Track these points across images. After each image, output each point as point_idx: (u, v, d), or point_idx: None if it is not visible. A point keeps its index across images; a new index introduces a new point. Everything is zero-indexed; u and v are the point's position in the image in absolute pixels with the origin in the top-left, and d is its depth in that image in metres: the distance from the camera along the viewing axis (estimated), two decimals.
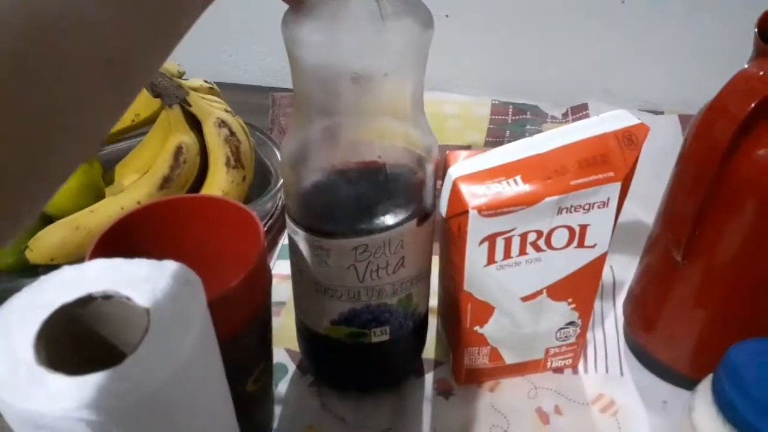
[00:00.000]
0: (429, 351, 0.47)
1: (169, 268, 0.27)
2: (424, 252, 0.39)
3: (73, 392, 0.22)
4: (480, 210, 0.35)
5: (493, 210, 0.35)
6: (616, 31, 0.70)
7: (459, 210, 0.36)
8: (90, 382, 0.22)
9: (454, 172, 0.37)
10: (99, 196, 0.53)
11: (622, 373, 0.46)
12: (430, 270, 0.41)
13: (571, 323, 0.43)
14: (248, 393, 0.37)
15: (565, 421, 0.42)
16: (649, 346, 0.45)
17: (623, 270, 0.52)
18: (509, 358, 0.44)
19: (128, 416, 0.22)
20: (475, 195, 0.36)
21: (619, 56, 0.71)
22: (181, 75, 0.56)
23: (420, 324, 0.42)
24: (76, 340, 0.26)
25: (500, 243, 0.37)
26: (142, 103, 0.59)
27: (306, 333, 0.42)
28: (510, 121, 0.72)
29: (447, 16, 0.72)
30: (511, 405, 0.44)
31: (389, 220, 0.35)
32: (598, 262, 0.40)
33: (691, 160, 0.35)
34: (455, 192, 0.37)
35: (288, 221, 0.38)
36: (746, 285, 0.38)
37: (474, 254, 0.37)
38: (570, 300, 0.41)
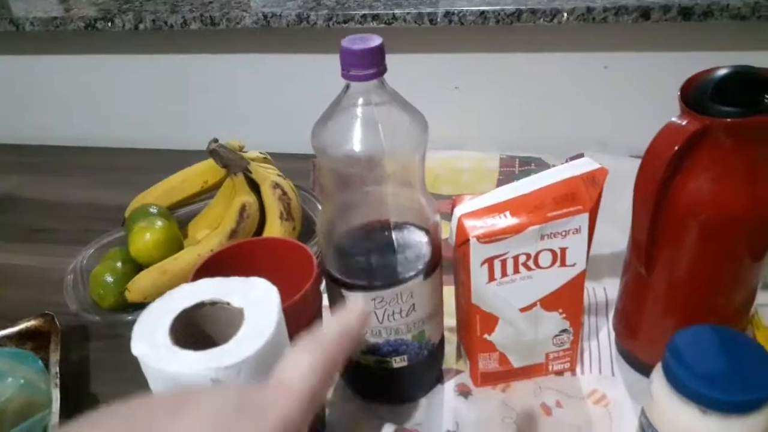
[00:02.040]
0: (450, 362, 0.57)
1: (255, 282, 0.38)
2: (432, 297, 0.49)
3: (200, 360, 0.33)
4: (479, 238, 0.46)
5: (488, 238, 0.46)
6: (604, 91, 0.82)
7: (463, 239, 0.47)
8: (210, 354, 0.34)
9: (458, 211, 0.48)
10: (179, 247, 0.65)
11: (613, 374, 0.55)
12: (441, 307, 0.51)
13: (564, 330, 0.53)
14: None
15: (564, 412, 0.52)
16: (634, 349, 0.54)
17: (613, 290, 0.62)
18: (516, 362, 0.54)
19: (231, 377, 0.33)
20: (475, 227, 0.47)
21: (607, 112, 0.83)
22: (241, 149, 0.70)
23: (433, 350, 0.52)
24: (193, 333, 0.37)
25: (497, 264, 0.48)
26: (209, 172, 0.72)
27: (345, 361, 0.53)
28: (517, 172, 0.83)
29: (456, 87, 0.85)
30: (519, 401, 0.53)
31: (399, 277, 0.46)
32: (579, 278, 0.50)
33: (637, 194, 0.45)
34: (460, 226, 0.48)
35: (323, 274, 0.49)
36: (700, 292, 0.47)
37: (477, 274, 0.48)
38: (560, 310, 0.51)
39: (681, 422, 0.39)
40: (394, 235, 0.46)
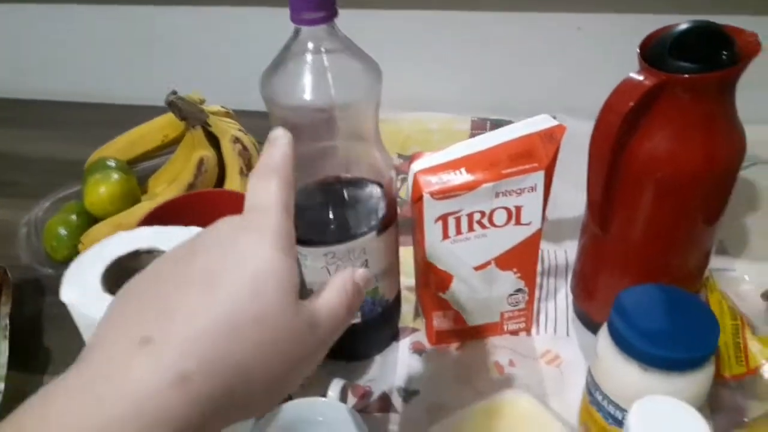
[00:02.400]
0: (407, 321, 0.57)
1: (194, 231, 0.37)
2: (387, 254, 0.48)
3: None
4: (432, 194, 0.45)
5: (442, 194, 0.45)
6: (577, 54, 0.80)
7: (417, 195, 0.46)
8: None
9: (415, 167, 0.47)
10: (136, 201, 0.64)
11: (568, 334, 0.55)
12: (396, 264, 0.51)
13: (519, 290, 0.52)
14: None
15: (516, 370, 0.52)
16: (590, 311, 0.54)
17: (574, 252, 0.61)
18: (470, 321, 0.53)
19: None
20: (429, 183, 0.46)
21: (580, 75, 0.81)
22: (202, 102, 0.68)
23: (387, 307, 0.51)
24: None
25: (452, 221, 0.47)
26: (169, 126, 0.70)
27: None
28: None
29: (431, 48, 0.83)
30: (473, 360, 0.53)
31: (351, 232, 0.45)
32: (535, 238, 0.49)
33: (592, 151, 0.45)
34: (415, 182, 0.47)
35: None
36: (655, 252, 0.47)
37: (431, 231, 0.47)
38: (515, 270, 0.51)
39: (623, 379, 0.39)
40: (346, 190, 0.45)
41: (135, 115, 0.77)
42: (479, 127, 0.83)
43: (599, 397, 0.41)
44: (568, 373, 0.51)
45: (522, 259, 0.50)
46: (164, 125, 0.71)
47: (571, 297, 0.57)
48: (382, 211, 0.46)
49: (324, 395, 0.45)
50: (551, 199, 0.67)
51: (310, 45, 0.40)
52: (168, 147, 0.72)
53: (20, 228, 0.64)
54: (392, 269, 0.50)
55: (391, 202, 0.47)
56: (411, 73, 0.86)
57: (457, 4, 0.80)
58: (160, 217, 0.44)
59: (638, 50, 0.43)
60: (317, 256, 0.46)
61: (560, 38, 0.80)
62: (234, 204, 0.46)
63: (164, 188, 0.65)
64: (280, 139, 0.31)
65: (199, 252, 0.26)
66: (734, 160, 0.43)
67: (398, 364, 0.53)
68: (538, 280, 0.59)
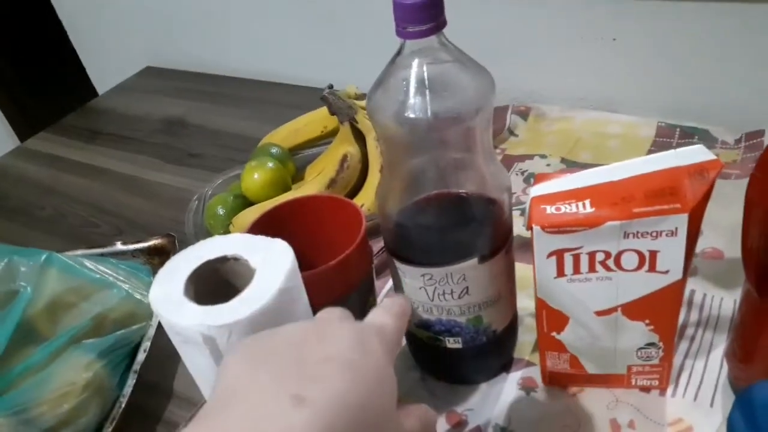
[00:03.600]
0: (524, 352, 0.52)
1: (275, 244, 0.38)
2: (493, 283, 0.44)
3: (198, 315, 0.34)
4: (543, 227, 0.40)
5: (555, 228, 0.40)
6: None
7: (530, 225, 0.42)
8: (209, 310, 0.34)
9: (534, 191, 0.43)
10: (286, 188, 0.67)
11: (712, 405, 0.46)
12: (508, 293, 0.47)
13: (652, 344, 0.45)
14: None
15: None
16: (742, 382, 0.44)
17: None
18: (590, 369, 0.47)
19: (221, 335, 0.34)
20: (543, 213, 0.41)
21: None
22: (357, 97, 0.68)
23: (495, 338, 0.48)
24: (217, 283, 0.38)
25: (568, 258, 0.42)
26: (329, 118, 0.72)
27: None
28: (675, 145, 0.71)
29: (614, 39, 0.73)
30: (587, 411, 0.47)
31: (450, 257, 0.42)
32: (674, 288, 0.41)
33: (751, 195, 0.36)
34: (530, 209, 0.42)
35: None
36: None
37: (543, 265, 0.42)
38: (647, 321, 0.43)
39: None
40: (447, 211, 0.42)
41: (314, 96, 0.80)
42: (666, 134, 0.72)
43: None
44: None
45: (657, 310, 0.43)
46: (324, 117, 0.73)
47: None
48: (487, 235, 0.43)
49: None
50: (727, 234, 0.56)
51: (416, 60, 0.38)
52: (327, 138, 0.74)
53: (192, 202, 0.71)
54: (500, 299, 0.46)
55: (501, 225, 0.43)
56: (590, 66, 0.78)
57: None
58: (271, 218, 0.46)
59: None
60: (415, 276, 0.44)
61: None
62: (334, 209, 0.46)
63: (313, 178, 0.68)
64: (407, 310, 0.37)
65: (338, 336, 0.31)
66: None
67: (501, 398, 0.49)
68: (689, 331, 0.51)
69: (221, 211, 0.67)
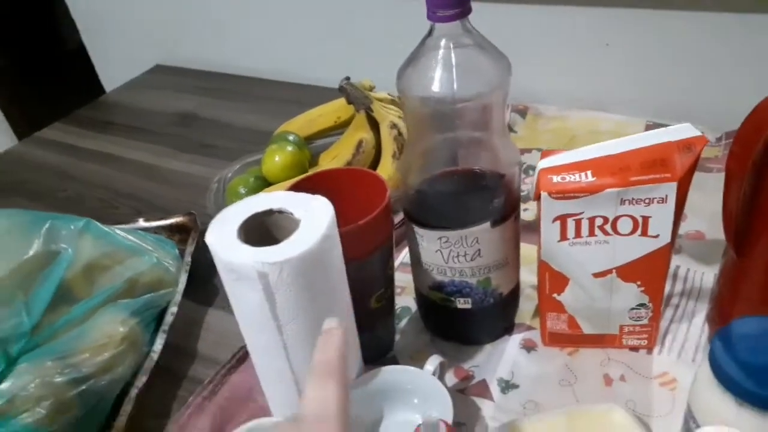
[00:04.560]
0: (525, 317, 0.57)
1: (317, 199, 0.43)
2: (502, 247, 0.49)
3: (251, 254, 0.39)
4: (551, 193, 0.46)
5: (561, 194, 0.46)
6: None
7: (537, 193, 0.47)
8: (263, 250, 0.39)
9: (541, 164, 0.48)
10: (304, 171, 0.72)
11: (693, 360, 0.51)
12: (514, 258, 0.52)
13: (642, 305, 0.50)
14: (372, 309, 0.51)
15: (626, 386, 0.50)
16: None
17: None
18: (586, 328, 0.52)
19: (274, 271, 0.38)
20: (550, 182, 0.46)
21: None
22: (371, 88, 0.74)
23: (500, 300, 0.52)
24: (262, 233, 0.43)
25: (571, 223, 0.47)
26: (343, 109, 0.78)
27: (417, 293, 0.56)
28: None
29: (607, 44, 0.80)
30: (582, 367, 0.52)
31: (465, 221, 0.47)
32: (663, 252, 0.47)
33: (729, 167, 0.41)
34: (538, 179, 0.47)
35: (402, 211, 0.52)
36: None
37: (548, 230, 0.47)
38: (639, 283, 0.49)
39: (717, 411, 0.36)
40: (465, 179, 0.48)
41: (322, 94, 0.86)
42: None
43: (693, 426, 0.38)
44: (680, 399, 0.48)
45: (648, 272, 0.48)
46: (338, 108, 0.78)
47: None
48: (499, 203, 0.48)
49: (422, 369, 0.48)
50: (708, 218, 0.62)
51: (443, 41, 0.43)
52: (340, 128, 0.79)
53: (212, 184, 0.76)
54: (508, 263, 0.51)
55: (511, 195, 0.49)
56: (586, 68, 0.84)
57: (641, 2, 0.76)
58: (303, 186, 0.51)
59: None
60: (432, 239, 0.49)
61: (757, 41, 0.72)
62: (361, 181, 0.51)
63: (329, 162, 0.73)
64: (334, 332, 0.33)
65: None
66: None
67: (505, 355, 0.54)
68: (674, 300, 0.57)
69: (243, 191, 0.71)
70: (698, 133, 0.45)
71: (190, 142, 0.97)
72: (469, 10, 0.42)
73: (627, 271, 0.48)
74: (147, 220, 0.74)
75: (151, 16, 1.23)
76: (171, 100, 1.11)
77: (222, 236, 0.41)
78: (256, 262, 0.38)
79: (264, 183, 0.72)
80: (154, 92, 1.16)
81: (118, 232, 0.62)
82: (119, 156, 0.97)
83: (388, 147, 0.69)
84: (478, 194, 0.48)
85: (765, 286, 0.45)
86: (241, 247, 0.40)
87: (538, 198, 0.47)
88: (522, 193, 0.53)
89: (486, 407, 0.50)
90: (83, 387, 0.48)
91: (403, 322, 0.59)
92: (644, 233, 0.46)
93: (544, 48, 0.85)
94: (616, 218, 0.46)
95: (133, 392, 0.53)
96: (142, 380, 0.54)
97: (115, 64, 1.36)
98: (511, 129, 0.83)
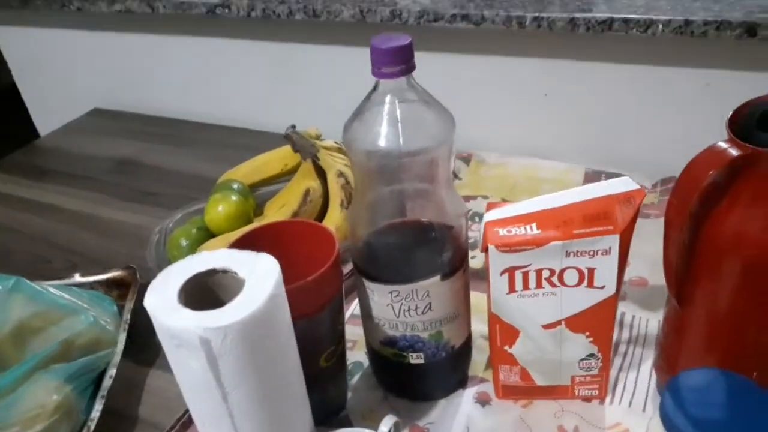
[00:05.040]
0: (478, 370, 0.57)
1: (262, 258, 0.41)
2: (452, 299, 0.49)
3: (194, 319, 0.37)
4: (497, 246, 0.46)
5: (508, 247, 0.46)
6: (702, 112, 0.75)
7: (485, 245, 0.47)
8: (205, 315, 0.37)
9: (486, 217, 0.48)
10: (249, 221, 0.70)
11: (644, 409, 0.51)
12: (465, 311, 0.51)
13: (592, 355, 0.50)
14: (322, 368, 0.50)
15: None
16: None
17: None
18: (539, 380, 0.52)
19: (217, 337, 0.37)
20: (496, 235, 0.46)
21: (708, 133, 0.76)
22: (317, 137, 0.73)
23: (453, 354, 0.52)
24: (205, 294, 0.41)
25: (519, 276, 0.47)
26: (289, 157, 0.77)
27: (369, 348, 0.55)
28: None
29: (546, 95, 0.83)
30: (537, 420, 0.52)
31: (415, 274, 0.47)
32: (609, 302, 0.47)
33: (669, 217, 0.43)
34: (485, 232, 0.47)
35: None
36: (740, 331, 0.43)
37: (497, 282, 0.48)
38: (587, 333, 0.49)
39: None
40: (413, 233, 0.47)
41: (270, 140, 0.85)
42: (593, 179, 0.81)
43: None
44: None
45: (595, 323, 0.49)
46: (285, 155, 0.77)
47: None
48: (448, 255, 0.48)
49: (376, 430, 0.47)
50: (650, 264, 0.64)
51: (388, 96, 0.43)
52: (287, 175, 0.78)
53: (153, 235, 0.73)
54: (459, 316, 0.51)
55: (460, 247, 0.49)
56: (525, 118, 0.87)
57: (575, 53, 0.79)
58: (247, 241, 0.49)
59: (727, 119, 0.41)
60: (383, 293, 0.48)
61: (687, 94, 0.76)
62: (308, 234, 0.50)
63: (275, 212, 0.72)
64: None
65: None
66: None
67: (459, 411, 0.53)
68: (622, 348, 0.57)
69: (184, 243, 0.69)
70: (637, 187, 0.46)
71: (130, 190, 0.94)
72: (413, 67, 0.43)
73: (575, 322, 0.49)
74: (83, 275, 0.71)
75: (89, 57, 1.20)
76: (110, 146, 1.07)
77: (162, 300, 0.39)
78: (197, 328, 0.36)
79: (207, 234, 0.70)
80: (91, 137, 1.12)
81: (52, 290, 0.59)
82: (53, 204, 0.93)
83: (336, 196, 0.69)
84: (428, 247, 0.48)
85: (707, 335, 0.46)
86: (182, 312, 0.38)
87: (485, 250, 0.47)
88: (470, 241, 0.54)
89: None
90: None
91: (356, 378, 0.57)
92: (590, 284, 0.47)
93: (485, 97, 0.87)
94: (563, 270, 0.46)
95: None
96: None
97: (50, 107, 1.32)
98: (456, 176, 0.84)
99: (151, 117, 1.15)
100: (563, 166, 0.83)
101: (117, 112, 1.20)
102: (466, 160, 0.87)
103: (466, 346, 0.54)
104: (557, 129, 0.85)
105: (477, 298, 0.54)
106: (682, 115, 0.77)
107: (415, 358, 0.51)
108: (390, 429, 0.47)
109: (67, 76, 1.25)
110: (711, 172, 0.39)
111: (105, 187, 0.95)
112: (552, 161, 0.84)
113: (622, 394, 0.53)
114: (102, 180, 0.98)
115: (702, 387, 0.37)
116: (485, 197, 0.80)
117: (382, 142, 0.43)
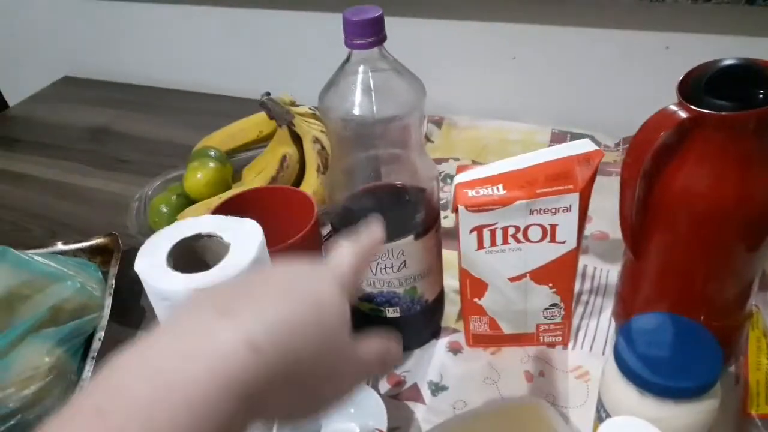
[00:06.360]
0: (450, 321, 0.60)
1: (246, 222, 0.44)
2: (426, 257, 0.52)
3: (183, 281, 0.40)
4: (467, 206, 0.49)
5: (476, 207, 0.49)
6: (662, 74, 0.79)
7: (455, 206, 0.50)
8: (193, 277, 0.40)
9: (458, 179, 0.51)
10: (227, 187, 0.72)
11: (603, 353, 0.56)
12: (437, 267, 0.55)
13: (555, 305, 0.54)
14: None
15: (544, 381, 0.54)
16: None
17: None
18: (506, 329, 0.56)
19: None
20: (465, 196, 0.49)
21: (667, 94, 0.80)
22: (292, 103, 0.75)
23: (427, 307, 0.56)
24: (191, 258, 0.43)
25: (486, 233, 0.50)
26: (264, 123, 0.78)
27: None
28: None
29: (514, 58, 0.85)
30: (504, 365, 0.56)
31: (391, 235, 0.49)
32: (570, 256, 0.51)
33: (622, 174, 0.46)
34: (455, 194, 0.50)
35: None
36: (689, 280, 0.47)
37: (466, 240, 0.51)
38: (551, 285, 0.53)
39: (623, 401, 0.40)
40: (387, 196, 0.50)
41: (242, 106, 0.86)
42: (559, 139, 0.84)
43: (603, 415, 0.42)
44: (593, 390, 0.52)
45: (558, 275, 0.53)
46: (260, 122, 0.79)
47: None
48: (421, 216, 0.51)
49: None
50: (610, 219, 0.68)
51: (361, 66, 0.45)
52: (263, 141, 0.80)
53: (132, 202, 0.74)
54: (432, 272, 0.54)
55: (432, 209, 0.51)
56: (493, 81, 0.89)
57: (540, 18, 0.81)
58: (229, 207, 0.52)
59: (677, 84, 0.44)
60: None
61: (647, 56, 0.79)
62: (288, 199, 0.52)
63: (252, 178, 0.74)
64: (375, 233, 0.36)
65: (284, 272, 0.32)
66: None
67: (434, 359, 0.57)
68: (584, 297, 0.61)
69: (165, 209, 0.71)
70: (596, 147, 0.49)
71: (104, 158, 0.95)
72: (384, 38, 0.45)
73: (539, 275, 0.52)
74: (66, 243, 0.72)
75: (58, 23, 1.18)
76: (82, 114, 1.07)
77: (152, 264, 0.41)
78: (187, 289, 0.39)
79: (186, 201, 0.72)
80: (63, 105, 1.11)
81: (37, 258, 0.61)
82: (27, 174, 0.93)
83: (312, 161, 0.71)
84: (402, 209, 0.50)
85: (659, 285, 0.49)
86: (171, 274, 0.40)
87: (455, 211, 0.50)
88: (441, 201, 0.56)
89: (418, 410, 0.53)
90: (11, 423, 0.47)
91: None
92: (552, 240, 0.50)
93: (456, 62, 0.89)
94: (527, 227, 0.50)
95: None
96: None
97: (19, 76, 1.30)
98: (428, 139, 0.87)
99: (122, 84, 1.14)
100: (531, 128, 0.86)
101: (88, 80, 1.18)
102: (438, 123, 0.89)
103: (439, 300, 0.58)
104: (525, 91, 0.88)
105: (448, 255, 0.57)
106: (643, 77, 0.80)
107: (392, 312, 0.55)
108: (369, 377, 0.51)
109: (35, 45, 1.23)
110: (662, 134, 0.42)
111: (79, 156, 0.96)
112: (520, 123, 0.87)
113: (583, 340, 0.57)
114: (75, 149, 0.98)
115: (651, 329, 0.41)
116: (456, 159, 0.83)
117: (357, 111, 0.45)
